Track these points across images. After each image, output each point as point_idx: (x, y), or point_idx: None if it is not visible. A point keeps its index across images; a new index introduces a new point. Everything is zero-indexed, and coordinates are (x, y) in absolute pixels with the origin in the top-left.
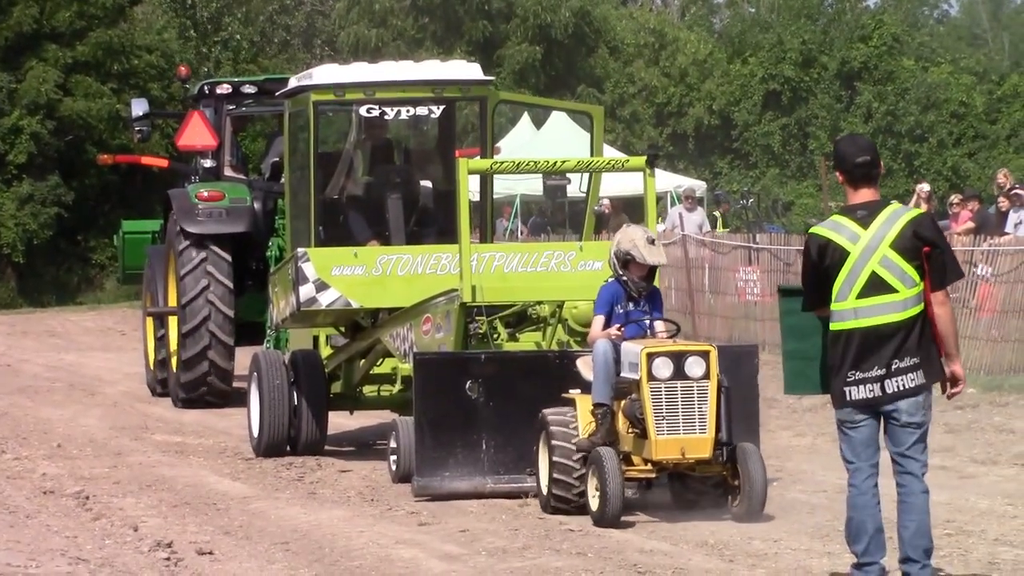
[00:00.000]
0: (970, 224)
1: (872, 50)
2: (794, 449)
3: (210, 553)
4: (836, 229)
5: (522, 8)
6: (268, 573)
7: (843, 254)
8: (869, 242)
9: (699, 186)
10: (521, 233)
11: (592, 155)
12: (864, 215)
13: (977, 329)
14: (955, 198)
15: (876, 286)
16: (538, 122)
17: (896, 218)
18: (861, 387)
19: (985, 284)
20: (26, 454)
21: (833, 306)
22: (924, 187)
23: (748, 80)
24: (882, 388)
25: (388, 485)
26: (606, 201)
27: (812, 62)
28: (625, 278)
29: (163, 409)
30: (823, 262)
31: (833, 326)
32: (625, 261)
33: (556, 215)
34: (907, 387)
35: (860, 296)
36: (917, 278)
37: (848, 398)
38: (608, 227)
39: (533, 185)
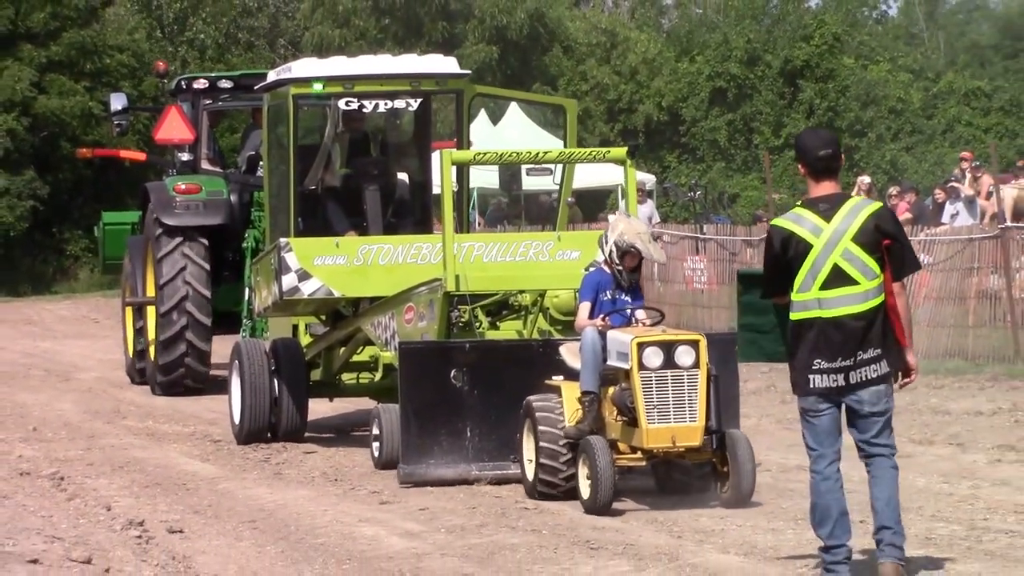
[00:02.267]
0: (908, 215)
1: (814, 49)
2: None
3: (180, 531)
4: (798, 222)
5: (480, 10)
6: (236, 550)
7: (806, 246)
8: (831, 235)
9: (648, 179)
10: (479, 224)
11: (566, 147)
12: (826, 208)
13: (915, 315)
14: (893, 190)
15: (838, 277)
16: (494, 118)
17: (858, 211)
18: (825, 376)
19: (924, 272)
20: (3, 437)
21: (795, 296)
22: (864, 179)
23: (695, 78)
24: (846, 378)
25: (351, 465)
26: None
27: (756, 60)
28: (620, 268)
29: (135, 394)
30: (786, 254)
31: (796, 316)
32: (625, 252)
33: (513, 207)
34: (870, 377)
35: (823, 287)
36: (878, 270)
37: (811, 386)
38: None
39: (488, 177)
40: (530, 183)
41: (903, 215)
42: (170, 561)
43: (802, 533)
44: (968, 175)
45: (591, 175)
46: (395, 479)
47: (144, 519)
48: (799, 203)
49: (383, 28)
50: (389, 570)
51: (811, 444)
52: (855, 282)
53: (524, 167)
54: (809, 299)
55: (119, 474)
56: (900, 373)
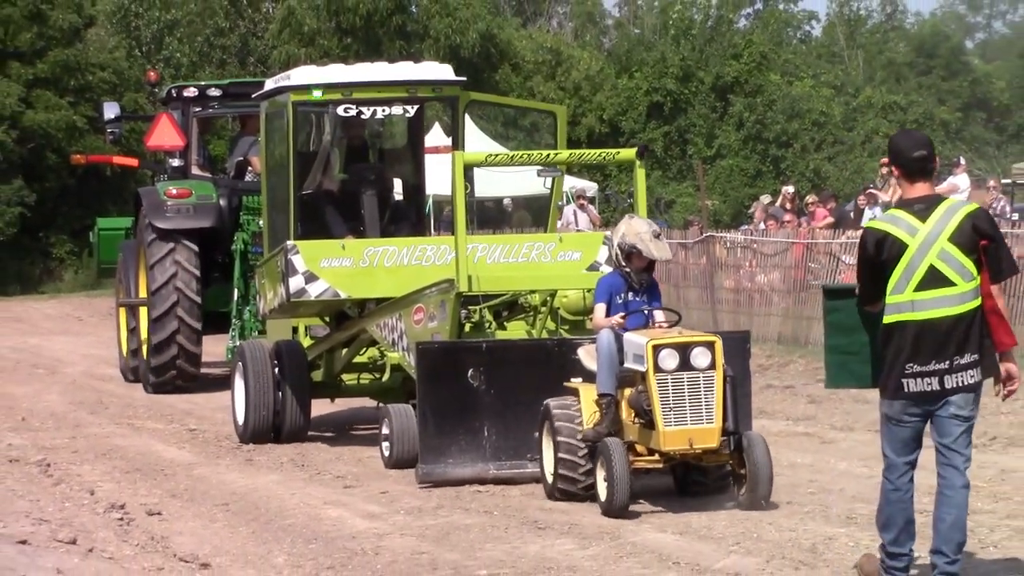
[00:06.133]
0: (830, 219)
1: (743, 66)
2: None
3: (159, 514)
4: (894, 222)
5: (435, 30)
6: (210, 531)
7: (901, 247)
8: (928, 235)
9: (590, 187)
10: (433, 231)
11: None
12: (921, 209)
13: None
14: (811, 198)
15: (934, 279)
16: (447, 128)
17: (954, 212)
18: (919, 380)
19: (849, 271)
20: None
21: (889, 299)
22: (789, 189)
23: (634, 93)
24: (941, 382)
25: (317, 452)
26: (508, 200)
27: (690, 77)
28: (628, 270)
29: (117, 387)
30: (880, 255)
31: (889, 319)
32: (629, 254)
33: (467, 212)
34: (966, 383)
35: (918, 289)
36: (975, 272)
37: (905, 390)
38: (510, 223)
39: (443, 184)
40: (537, 186)
41: (825, 219)
42: (149, 541)
43: (734, 514)
44: (892, 180)
45: (536, 183)
46: (358, 465)
47: (125, 502)
48: (894, 205)
49: (345, 47)
50: (352, 548)
51: (887, 452)
52: (951, 283)
53: (535, 168)
54: (903, 301)
55: (102, 461)
56: (1003, 381)
